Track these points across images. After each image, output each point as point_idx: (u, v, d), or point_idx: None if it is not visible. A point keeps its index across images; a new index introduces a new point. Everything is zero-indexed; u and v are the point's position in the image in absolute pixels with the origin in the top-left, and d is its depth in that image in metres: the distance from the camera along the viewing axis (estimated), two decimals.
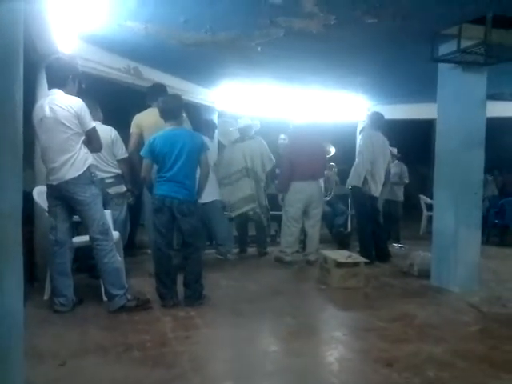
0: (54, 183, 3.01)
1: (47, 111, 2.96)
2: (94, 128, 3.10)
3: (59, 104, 2.97)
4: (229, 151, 5.33)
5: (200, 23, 3.66)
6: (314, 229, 4.93)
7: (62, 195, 3.04)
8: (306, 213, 4.90)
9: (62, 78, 3.06)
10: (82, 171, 2.99)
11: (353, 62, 4.70)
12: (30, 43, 3.26)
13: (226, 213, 5.13)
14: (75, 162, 2.98)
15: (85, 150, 3.06)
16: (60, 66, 3.09)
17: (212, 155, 5.04)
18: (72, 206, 3.09)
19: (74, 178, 2.97)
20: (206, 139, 4.99)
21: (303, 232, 5.07)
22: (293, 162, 4.84)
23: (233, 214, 5.19)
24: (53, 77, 3.07)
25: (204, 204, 4.82)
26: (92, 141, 3.12)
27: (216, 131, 5.54)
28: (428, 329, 2.94)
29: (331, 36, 3.81)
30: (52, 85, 3.07)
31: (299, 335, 2.78)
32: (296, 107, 6.27)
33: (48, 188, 3.10)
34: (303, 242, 5.18)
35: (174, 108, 3.41)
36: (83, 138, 3.05)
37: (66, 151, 2.97)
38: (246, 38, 3.98)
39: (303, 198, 4.83)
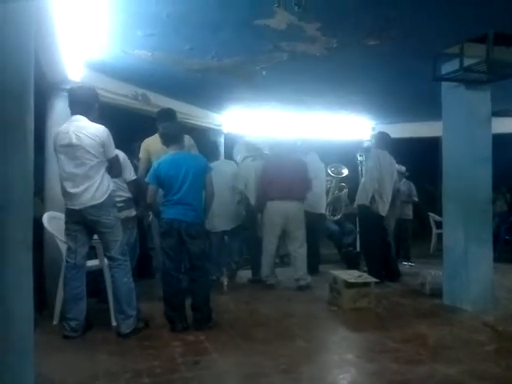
0: (77, 208, 3.03)
1: (74, 139, 2.99)
2: (116, 156, 3.20)
3: (86, 133, 3.01)
4: (245, 172, 4.98)
5: (205, 50, 3.75)
6: (300, 252, 4.59)
7: (84, 219, 3.06)
8: (287, 235, 4.61)
9: (87, 105, 3.12)
10: (106, 196, 3.05)
11: (356, 83, 4.76)
12: (39, 71, 3.34)
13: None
14: (99, 187, 3.03)
15: (107, 175, 3.12)
16: (89, 94, 3.17)
17: (239, 180, 4.90)
18: (94, 230, 3.12)
19: (100, 203, 3.02)
20: (231, 164, 5.04)
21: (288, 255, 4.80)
22: (270, 179, 4.53)
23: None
24: (78, 104, 3.10)
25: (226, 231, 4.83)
26: (113, 167, 3.19)
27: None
28: (442, 349, 2.88)
29: (334, 58, 3.88)
30: (76, 111, 3.11)
31: (311, 358, 2.74)
32: (301, 128, 6.33)
33: (68, 213, 3.10)
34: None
35: (175, 133, 3.47)
36: (107, 164, 3.11)
37: (91, 178, 3.01)
38: (250, 62, 4.06)
39: (279, 221, 4.52)
